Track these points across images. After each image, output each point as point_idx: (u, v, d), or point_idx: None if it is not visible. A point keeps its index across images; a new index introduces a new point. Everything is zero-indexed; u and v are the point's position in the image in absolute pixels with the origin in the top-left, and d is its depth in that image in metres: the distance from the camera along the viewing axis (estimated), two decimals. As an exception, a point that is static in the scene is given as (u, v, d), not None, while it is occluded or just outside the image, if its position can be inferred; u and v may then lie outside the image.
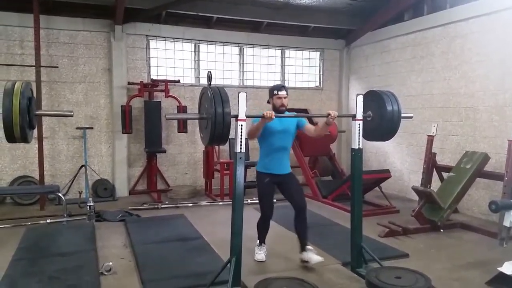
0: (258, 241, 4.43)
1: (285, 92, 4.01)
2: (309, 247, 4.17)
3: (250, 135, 3.91)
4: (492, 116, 6.17)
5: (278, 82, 9.12)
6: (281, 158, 4.10)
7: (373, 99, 4.01)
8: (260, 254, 4.35)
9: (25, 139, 2.90)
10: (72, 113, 3.51)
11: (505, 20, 5.93)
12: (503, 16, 5.97)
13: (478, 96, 6.39)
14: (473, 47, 6.45)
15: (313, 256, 4.07)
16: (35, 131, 6.68)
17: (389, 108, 3.87)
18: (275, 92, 4.01)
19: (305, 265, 4.12)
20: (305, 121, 4.13)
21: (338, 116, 3.88)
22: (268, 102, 4.14)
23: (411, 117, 4.43)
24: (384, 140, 4.26)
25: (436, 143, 6.45)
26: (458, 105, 6.73)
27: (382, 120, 3.92)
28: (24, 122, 2.79)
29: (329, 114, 3.77)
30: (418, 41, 7.52)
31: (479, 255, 4.62)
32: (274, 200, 4.38)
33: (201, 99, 3.52)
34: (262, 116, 3.61)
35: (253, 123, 3.90)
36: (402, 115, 3.97)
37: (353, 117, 3.95)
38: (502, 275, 3.64)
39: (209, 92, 3.25)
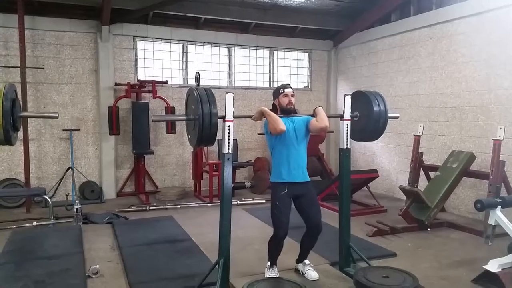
0: (268, 262, 3.91)
1: (291, 90, 3.77)
2: (307, 261, 4.04)
3: (273, 126, 3.48)
4: (477, 116, 6.25)
5: (267, 83, 9.15)
6: (297, 163, 3.73)
7: (360, 99, 4.02)
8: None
9: (9, 142, 2.85)
10: (57, 115, 3.45)
11: (490, 21, 6.02)
12: (488, 17, 6.05)
13: (464, 96, 6.47)
14: (459, 48, 6.53)
15: (311, 272, 3.93)
16: (20, 133, 6.61)
17: (376, 108, 3.88)
18: (281, 90, 3.76)
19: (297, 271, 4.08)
20: (310, 117, 3.80)
21: (331, 116, 3.85)
22: (274, 105, 3.85)
23: (397, 117, 4.45)
24: (371, 140, 4.27)
25: (423, 143, 6.52)
26: (444, 105, 6.81)
27: (369, 120, 3.93)
28: (7, 125, 2.74)
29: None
30: (405, 42, 7.59)
31: (466, 254, 4.68)
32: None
33: (187, 100, 3.49)
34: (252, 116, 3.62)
35: (266, 128, 3.68)
36: (389, 115, 3.98)
37: (341, 117, 3.96)
38: (487, 272, 3.69)
39: (195, 93, 3.22)
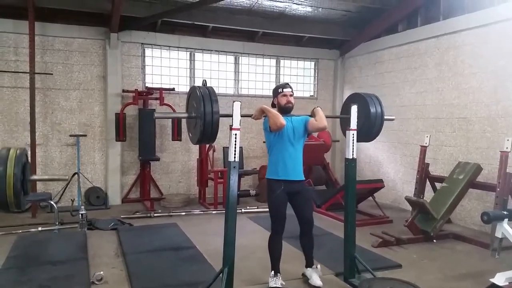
0: (272, 271, 3.89)
1: (290, 90, 3.88)
2: (318, 267, 4.04)
3: (274, 121, 3.60)
4: (484, 127, 6.22)
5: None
6: (294, 162, 3.82)
7: (357, 101, 4.10)
8: None
9: (18, 206, 2.85)
10: (67, 177, 3.51)
11: (498, 32, 6.01)
12: (495, 28, 6.05)
13: (471, 107, 6.45)
14: (466, 59, 6.53)
15: (316, 279, 3.92)
16: (28, 138, 6.67)
17: (372, 110, 3.97)
18: (280, 90, 3.87)
19: (304, 279, 4.07)
20: (309, 117, 3.89)
21: (330, 117, 3.91)
22: (273, 104, 3.94)
23: (392, 119, 4.47)
24: (366, 141, 4.33)
25: (429, 154, 6.49)
26: (451, 116, 6.78)
27: (365, 121, 4.01)
28: (18, 191, 2.74)
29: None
30: (412, 52, 7.59)
31: (472, 266, 4.64)
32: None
33: (189, 99, 3.52)
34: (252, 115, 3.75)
35: (265, 125, 3.80)
36: (385, 117, 4.05)
37: (347, 127, 3.98)
38: (494, 286, 3.64)
39: (197, 92, 3.25)
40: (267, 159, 3.96)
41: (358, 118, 4.02)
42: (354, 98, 4.18)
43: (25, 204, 2.99)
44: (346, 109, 4.20)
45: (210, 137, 3.28)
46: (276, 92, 3.91)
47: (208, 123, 3.16)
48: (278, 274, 3.89)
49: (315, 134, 8.38)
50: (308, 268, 4.05)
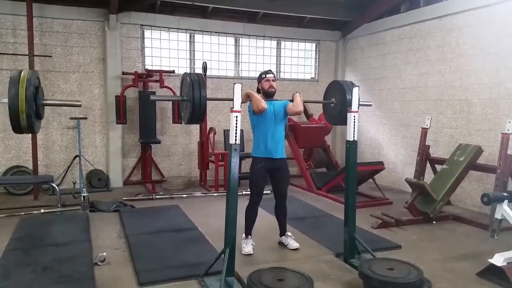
0: (244, 234, 4.38)
1: (273, 75, 4.27)
2: (288, 233, 4.54)
3: (256, 104, 3.95)
4: (486, 109, 6.19)
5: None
6: (275, 142, 4.23)
7: (337, 88, 4.32)
8: (247, 247, 4.29)
9: (31, 129, 2.83)
10: (80, 103, 3.56)
11: (501, 13, 5.93)
12: (498, 9, 5.96)
13: (472, 89, 6.41)
14: (469, 40, 6.46)
15: (293, 243, 4.44)
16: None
17: (348, 96, 4.07)
18: (263, 76, 4.27)
19: (286, 248, 4.47)
20: (289, 102, 4.24)
21: (313, 102, 4.08)
22: (258, 90, 4.33)
23: (370, 105, 4.84)
24: (345, 124, 4.36)
25: (430, 136, 6.48)
26: (452, 98, 6.75)
27: (342, 106, 4.16)
28: (30, 111, 2.73)
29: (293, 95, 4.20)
30: (414, 33, 7.51)
31: (471, 247, 4.68)
32: (269, 191, 4.42)
33: (182, 84, 3.70)
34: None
35: (250, 108, 4.18)
36: (360, 102, 4.17)
37: (349, 109, 4.00)
38: (492, 266, 3.69)
39: (188, 78, 3.49)
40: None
41: (335, 105, 4.29)
42: (334, 85, 4.43)
43: (39, 128, 3.00)
44: (327, 96, 4.45)
45: (199, 117, 3.53)
46: (260, 78, 4.30)
47: (197, 105, 3.41)
48: (249, 236, 4.38)
49: (316, 117, 8.38)
50: (283, 237, 4.54)
